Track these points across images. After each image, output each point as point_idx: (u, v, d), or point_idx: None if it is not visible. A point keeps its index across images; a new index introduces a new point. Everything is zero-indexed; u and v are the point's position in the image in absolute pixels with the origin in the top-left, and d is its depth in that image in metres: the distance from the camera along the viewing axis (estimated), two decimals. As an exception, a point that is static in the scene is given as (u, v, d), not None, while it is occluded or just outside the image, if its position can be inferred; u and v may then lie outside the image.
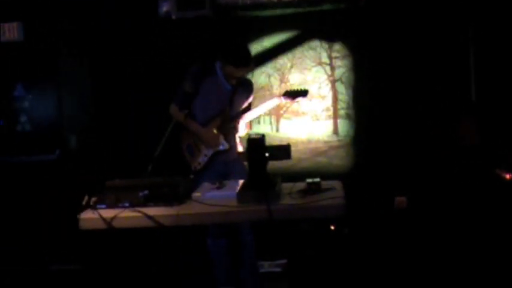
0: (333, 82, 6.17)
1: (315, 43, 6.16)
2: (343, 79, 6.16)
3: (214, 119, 4.83)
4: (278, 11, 6.04)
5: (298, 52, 6.18)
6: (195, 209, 3.61)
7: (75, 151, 6.15)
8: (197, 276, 5.24)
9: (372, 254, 5.70)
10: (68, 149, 6.15)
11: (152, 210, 3.57)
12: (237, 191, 3.64)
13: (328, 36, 6.14)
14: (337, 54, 6.14)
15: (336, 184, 3.94)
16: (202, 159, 4.85)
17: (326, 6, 5.99)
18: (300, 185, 3.88)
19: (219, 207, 3.56)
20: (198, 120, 4.85)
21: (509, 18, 5.63)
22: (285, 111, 6.18)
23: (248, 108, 5.10)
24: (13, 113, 6.20)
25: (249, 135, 3.94)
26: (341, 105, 6.17)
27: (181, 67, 5.18)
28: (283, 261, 5.50)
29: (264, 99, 6.05)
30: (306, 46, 6.17)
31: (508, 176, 5.14)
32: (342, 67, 6.15)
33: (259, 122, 6.14)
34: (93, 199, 3.67)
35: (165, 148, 4.34)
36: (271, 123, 6.23)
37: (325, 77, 6.18)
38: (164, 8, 5.95)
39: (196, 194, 3.80)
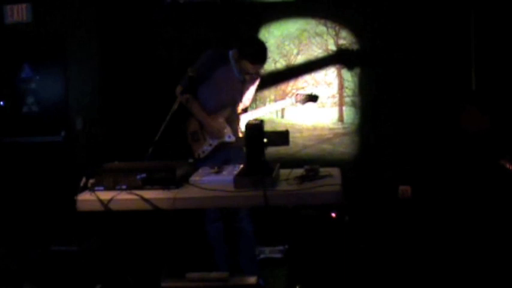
0: (339, 69, 6.16)
1: (322, 29, 6.13)
2: (350, 66, 6.13)
3: (224, 109, 4.80)
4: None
5: (305, 38, 6.16)
6: (191, 193, 3.61)
7: (80, 133, 6.18)
8: (196, 261, 5.26)
9: (374, 243, 5.70)
10: (73, 130, 6.19)
11: (149, 193, 3.58)
12: (234, 176, 3.65)
13: (335, 23, 6.11)
14: (344, 42, 6.12)
15: (334, 171, 3.92)
16: (206, 148, 4.81)
17: (333, -7, 5.98)
18: (298, 171, 3.86)
19: (215, 191, 3.57)
20: (207, 108, 4.80)
21: (510, 7, 5.60)
22: (291, 91, 6.15)
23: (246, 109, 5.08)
24: (20, 94, 6.23)
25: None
26: (347, 92, 6.16)
27: (188, 51, 5.20)
28: (284, 247, 5.51)
29: (269, 87, 6.09)
30: (312, 32, 6.15)
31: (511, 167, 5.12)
32: (349, 54, 6.11)
33: (264, 105, 6.11)
34: (91, 181, 3.68)
35: (166, 132, 4.34)
36: (276, 109, 6.22)
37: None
38: (172, -8, 5.96)
39: (194, 178, 3.81)
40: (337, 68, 6.14)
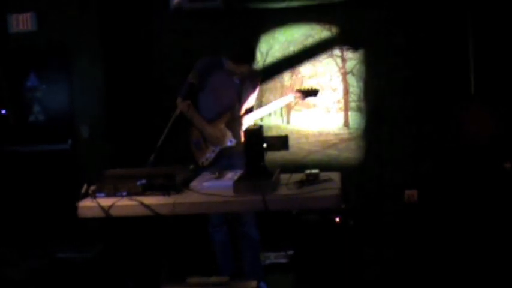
0: (344, 74, 6.16)
1: (327, 35, 6.14)
2: (354, 71, 6.14)
3: (223, 115, 4.81)
4: (289, 3, 6.02)
5: (310, 44, 6.17)
6: (191, 199, 3.64)
7: (87, 141, 6.21)
8: (198, 265, 5.27)
9: (380, 247, 5.70)
10: (80, 138, 6.21)
11: (149, 199, 3.61)
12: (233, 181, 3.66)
13: (340, 28, 6.12)
14: (348, 47, 6.12)
15: (334, 175, 3.93)
16: (209, 155, 4.82)
17: (337, -1, 5.98)
18: (298, 176, 3.87)
19: (215, 196, 3.59)
20: (206, 116, 4.82)
21: (508, 9, 5.59)
22: (295, 103, 6.16)
23: (250, 109, 5.07)
24: (26, 103, 6.27)
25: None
26: (352, 97, 6.16)
27: (193, 58, 5.21)
28: (289, 252, 5.51)
29: (274, 91, 6.10)
30: (317, 38, 6.15)
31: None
32: (353, 59, 6.13)
33: (270, 114, 6.11)
34: (92, 187, 3.71)
35: (168, 139, 4.36)
36: (282, 115, 6.23)
37: (337, 69, 6.17)
38: (176, -1, 5.98)
39: (194, 184, 3.83)
40: (342, 73, 6.13)
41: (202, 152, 4.85)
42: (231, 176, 3.89)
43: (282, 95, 6.01)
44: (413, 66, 6.00)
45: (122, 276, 4.75)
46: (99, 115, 6.17)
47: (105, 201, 3.63)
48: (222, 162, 4.76)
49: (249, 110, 5.01)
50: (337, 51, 6.15)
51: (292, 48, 6.22)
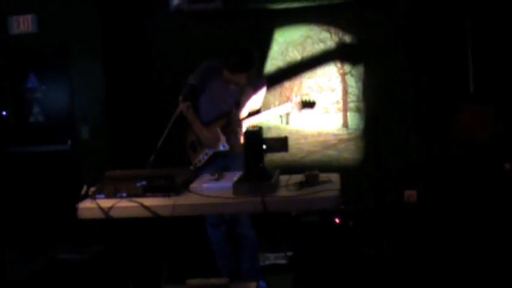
0: (343, 75, 6.17)
1: (325, 36, 6.15)
2: (353, 72, 6.15)
3: (219, 119, 4.82)
4: (288, 4, 6.03)
5: (309, 45, 6.18)
6: (191, 200, 3.64)
7: (86, 141, 6.22)
8: (198, 267, 5.28)
9: (380, 248, 5.70)
10: (79, 139, 6.23)
11: (149, 201, 3.61)
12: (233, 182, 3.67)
13: (338, 29, 6.13)
14: (347, 47, 6.12)
15: (334, 176, 3.93)
16: (202, 157, 4.84)
17: (336, 0, 5.97)
18: (298, 177, 3.88)
19: (215, 198, 3.59)
20: (204, 119, 4.84)
21: (506, 9, 5.60)
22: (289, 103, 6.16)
23: (257, 111, 5.06)
24: (26, 104, 6.29)
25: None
26: (351, 98, 6.17)
27: (192, 59, 5.22)
28: (289, 253, 5.51)
29: (273, 92, 6.10)
30: (316, 39, 6.16)
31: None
32: (352, 60, 6.13)
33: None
34: (92, 189, 3.72)
35: (168, 140, 4.37)
36: (281, 116, 6.23)
37: (335, 70, 6.17)
38: (175, 0, 5.98)
39: (193, 185, 3.83)
40: (340, 74, 6.14)
41: (196, 154, 4.88)
42: (230, 178, 3.89)
43: (280, 95, 6.02)
44: (412, 66, 6.01)
45: (121, 277, 4.75)
46: (99, 116, 6.18)
47: (105, 203, 3.62)
48: (218, 163, 4.76)
49: (256, 112, 4.98)
50: (336, 52, 6.15)
51: (290, 49, 6.22)
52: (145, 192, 3.70)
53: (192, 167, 4.56)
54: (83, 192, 3.71)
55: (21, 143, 6.31)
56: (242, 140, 4.85)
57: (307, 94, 5.83)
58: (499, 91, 5.65)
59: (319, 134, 6.25)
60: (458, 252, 5.34)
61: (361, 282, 5.11)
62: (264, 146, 3.75)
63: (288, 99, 6.08)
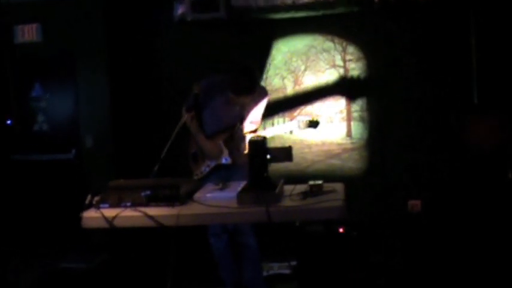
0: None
1: (329, 45, 6.16)
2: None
3: (222, 132, 4.79)
4: (292, 14, 6.04)
5: (312, 54, 6.20)
6: (195, 210, 3.64)
7: (91, 150, 6.23)
8: (201, 276, 5.28)
9: (384, 257, 5.69)
10: (84, 148, 6.24)
11: (153, 210, 3.61)
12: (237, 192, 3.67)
13: (342, 39, 6.14)
14: (351, 57, 6.14)
15: (338, 186, 3.93)
16: (204, 169, 4.82)
17: (340, 9, 5.98)
18: (302, 187, 3.88)
19: (219, 208, 3.59)
20: (207, 131, 4.81)
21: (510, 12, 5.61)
22: (298, 114, 6.18)
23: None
24: (31, 112, 6.31)
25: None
26: (354, 107, 6.17)
27: (196, 69, 5.23)
28: (293, 263, 5.50)
29: (278, 101, 6.11)
30: (320, 48, 6.18)
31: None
32: (356, 70, 6.14)
33: (273, 125, 6.11)
34: (96, 198, 3.72)
35: (172, 149, 4.37)
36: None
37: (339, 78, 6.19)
38: (179, 10, 6.01)
39: (198, 195, 3.84)
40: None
41: (197, 165, 4.86)
42: (235, 187, 3.89)
43: (284, 107, 6.05)
44: (416, 75, 6.01)
45: (126, 287, 4.76)
46: (103, 125, 6.19)
47: (109, 212, 3.63)
48: (221, 173, 4.75)
49: (255, 122, 4.99)
50: (339, 62, 6.16)
51: (294, 59, 6.24)
52: (150, 201, 3.70)
53: (195, 177, 4.56)
54: (87, 201, 3.72)
55: (25, 152, 6.32)
56: (245, 152, 4.88)
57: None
58: (504, 100, 5.65)
59: (323, 144, 6.25)
60: (462, 262, 5.32)
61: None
62: (269, 156, 3.76)
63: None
